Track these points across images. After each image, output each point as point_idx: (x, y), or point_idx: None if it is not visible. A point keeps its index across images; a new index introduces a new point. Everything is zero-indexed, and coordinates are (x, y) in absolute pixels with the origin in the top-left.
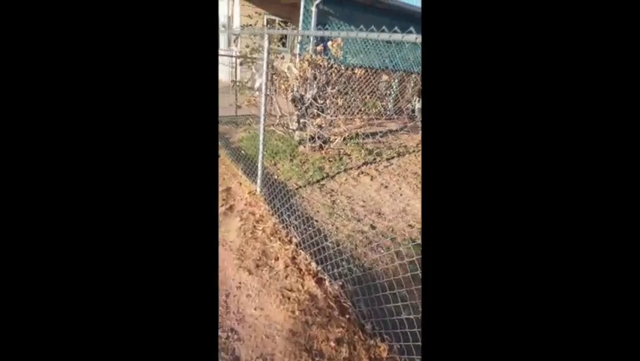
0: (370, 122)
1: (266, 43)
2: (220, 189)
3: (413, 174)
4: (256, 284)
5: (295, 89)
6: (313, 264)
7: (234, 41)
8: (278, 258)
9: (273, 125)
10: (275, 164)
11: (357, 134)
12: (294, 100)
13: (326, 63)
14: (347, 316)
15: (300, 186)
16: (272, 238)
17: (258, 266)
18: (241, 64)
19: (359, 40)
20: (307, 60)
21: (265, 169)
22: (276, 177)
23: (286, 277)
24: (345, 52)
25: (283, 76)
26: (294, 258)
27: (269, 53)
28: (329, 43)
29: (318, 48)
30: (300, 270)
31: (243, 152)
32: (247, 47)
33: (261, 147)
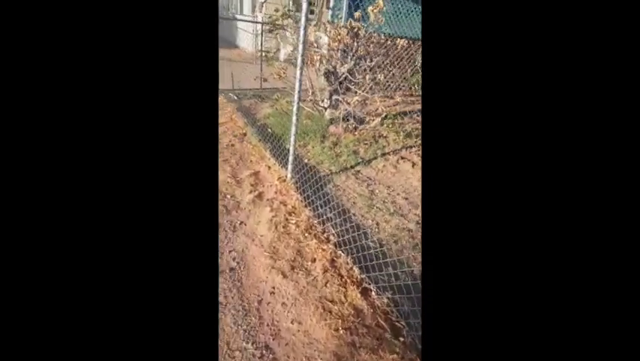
0: (408, 99)
1: (305, 5)
2: (248, 172)
3: None
4: (292, 291)
5: (327, 62)
6: (356, 270)
7: (262, 5)
8: (315, 260)
9: (301, 101)
10: (304, 145)
11: (395, 114)
12: (327, 74)
13: (364, 32)
14: (401, 339)
15: (334, 172)
16: (307, 234)
17: (292, 268)
18: (270, 31)
19: (401, 5)
20: (347, 28)
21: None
22: (306, 160)
23: (326, 283)
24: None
25: (313, 46)
26: (333, 261)
27: (307, 18)
28: (369, 9)
29: (357, 14)
30: (342, 276)
31: (269, 130)
32: (276, 11)
33: (293, 128)
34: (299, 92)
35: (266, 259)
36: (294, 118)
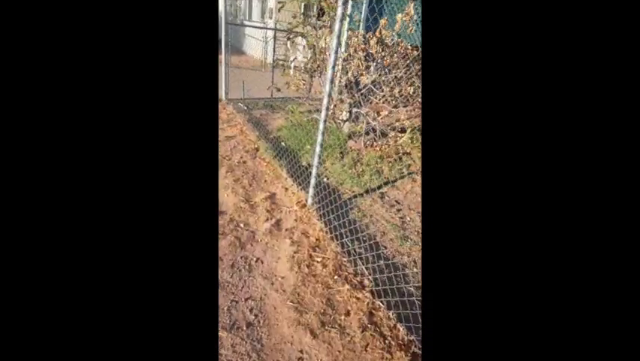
0: None
1: (339, 10)
2: (262, 195)
3: None
4: (325, 357)
5: (350, 72)
6: (401, 329)
7: (278, 11)
8: (349, 312)
9: (311, 110)
10: (322, 162)
11: (419, 129)
12: (347, 85)
13: (390, 40)
14: None
15: (357, 195)
16: (336, 276)
17: (323, 324)
18: (288, 38)
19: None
20: (376, 36)
21: (311, 167)
22: (325, 179)
23: (366, 347)
24: (406, 27)
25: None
26: (371, 314)
27: (342, 24)
28: (398, 16)
29: (383, 21)
30: (384, 337)
31: (283, 144)
32: (294, 17)
33: (317, 149)
34: (327, 108)
35: (290, 311)
36: (319, 137)
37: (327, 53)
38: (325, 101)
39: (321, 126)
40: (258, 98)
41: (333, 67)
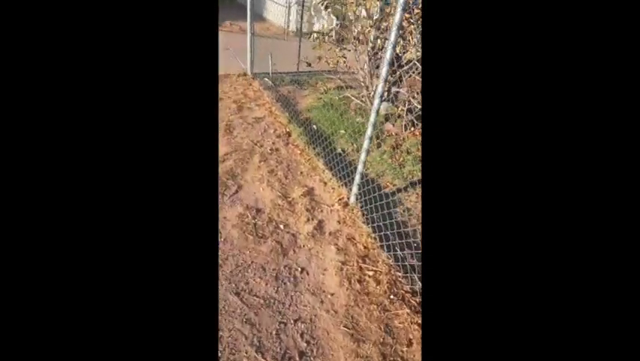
0: None
1: None
2: (300, 190)
3: None
4: None
5: (399, 45)
6: None
7: None
8: (411, 342)
9: (344, 86)
10: (357, 149)
11: None
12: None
13: None
14: None
15: (400, 189)
16: (392, 296)
17: (384, 357)
18: (326, 8)
19: None
20: None
21: (345, 154)
22: (364, 170)
23: None
24: None
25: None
26: None
27: None
28: None
29: None
30: None
31: (315, 127)
32: None
33: (366, 143)
34: (381, 95)
35: (345, 338)
36: (369, 130)
37: (357, 23)
38: (380, 87)
39: (372, 117)
40: (284, 73)
41: (394, 45)
